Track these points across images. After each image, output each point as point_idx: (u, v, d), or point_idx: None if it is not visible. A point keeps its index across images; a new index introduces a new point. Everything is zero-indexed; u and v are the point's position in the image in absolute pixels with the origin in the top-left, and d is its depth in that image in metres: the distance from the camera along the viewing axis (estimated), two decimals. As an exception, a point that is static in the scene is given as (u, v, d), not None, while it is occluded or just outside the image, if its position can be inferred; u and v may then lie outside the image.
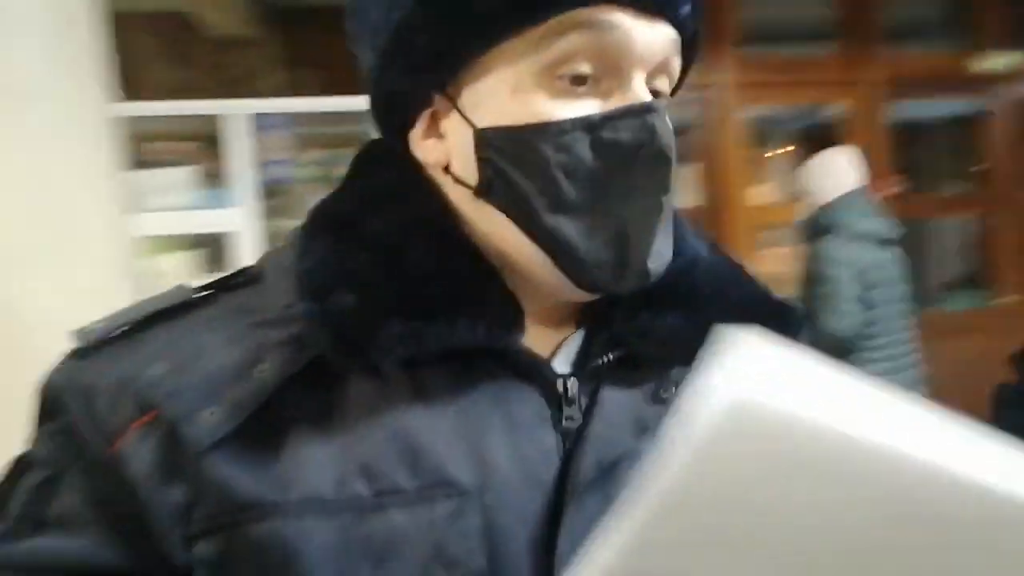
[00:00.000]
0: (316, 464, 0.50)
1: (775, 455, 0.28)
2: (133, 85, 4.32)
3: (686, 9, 0.54)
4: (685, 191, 3.77)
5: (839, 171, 2.65)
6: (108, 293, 1.82)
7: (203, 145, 4.09)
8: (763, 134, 4.33)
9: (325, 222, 0.56)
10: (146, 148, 4.04)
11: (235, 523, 0.49)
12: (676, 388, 0.57)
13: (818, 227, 2.65)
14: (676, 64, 0.55)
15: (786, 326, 0.59)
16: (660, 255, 0.54)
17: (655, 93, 0.54)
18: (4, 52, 1.60)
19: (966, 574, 0.31)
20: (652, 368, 0.57)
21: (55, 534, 0.52)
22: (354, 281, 0.51)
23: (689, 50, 0.56)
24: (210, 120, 3.49)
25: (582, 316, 0.59)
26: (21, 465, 0.55)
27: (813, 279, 2.57)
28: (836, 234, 2.57)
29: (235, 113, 3.33)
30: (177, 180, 3.88)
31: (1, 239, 1.60)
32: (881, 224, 2.60)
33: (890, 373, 2.50)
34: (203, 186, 3.92)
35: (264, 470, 0.50)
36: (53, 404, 0.54)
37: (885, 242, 2.59)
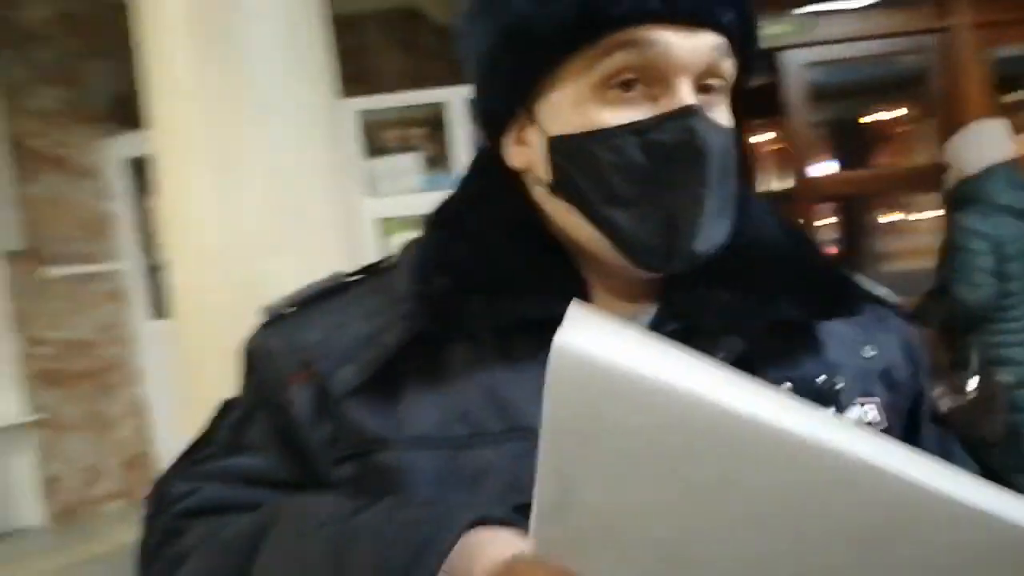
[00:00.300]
0: (424, 410, 0.62)
1: (599, 388, 0.36)
2: (369, 78, 4.74)
3: (728, 16, 0.60)
4: (924, 147, 3.47)
5: (986, 143, 2.66)
6: (338, 269, 2.10)
7: (430, 130, 4.40)
8: (1007, 79, 3.89)
9: (437, 219, 0.69)
10: (380, 136, 4.41)
11: (365, 453, 0.63)
12: (724, 356, 0.62)
13: (960, 198, 2.67)
14: (726, 64, 0.61)
15: (842, 303, 0.66)
16: (708, 238, 0.61)
17: (708, 89, 0.61)
18: (248, 72, 1.89)
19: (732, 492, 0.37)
20: (711, 337, 0.63)
21: (249, 454, 0.68)
22: (450, 267, 0.64)
23: (745, 45, 0.63)
24: (436, 107, 3.75)
25: (655, 292, 0.66)
26: (226, 407, 0.73)
27: (950, 250, 2.60)
28: (977, 206, 2.59)
29: (458, 99, 3.52)
30: (407, 165, 4.20)
31: (245, 228, 1.90)
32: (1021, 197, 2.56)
33: (1012, 346, 2.53)
34: (430, 169, 4.23)
35: (385, 414, 0.63)
36: (247, 363, 0.71)
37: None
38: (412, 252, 0.68)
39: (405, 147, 4.32)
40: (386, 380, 0.63)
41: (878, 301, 0.73)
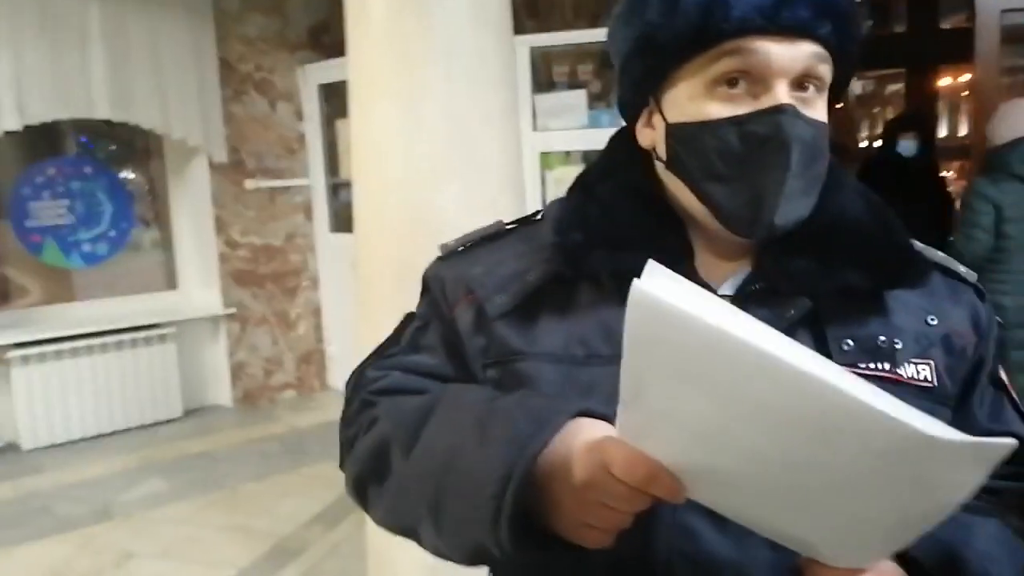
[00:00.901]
0: (553, 334, 0.77)
1: (660, 321, 0.49)
2: (543, 12, 4.85)
3: (825, 29, 0.70)
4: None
5: (1014, 119, 3.04)
6: (503, 207, 2.29)
7: (598, 67, 4.48)
8: None
9: (577, 184, 0.84)
10: (549, 71, 4.54)
11: (507, 361, 0.79)
12: (793, 314, 0.74)
13: (985, 166, 3.12)
14: (822, 68, 0.71)
15: (906, 275, 0.76)
16: (788, 214, 0.72)
17: (805, 88, 0.71)
18: (435, 15, 2.06)
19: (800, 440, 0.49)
20: (787, 297, 0.75)
21: (424, 354, 0.86)
22: (583, 225, 0.79)
23: (843, 51, 0.73)
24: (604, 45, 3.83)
25: (749, 256, 0.78)
26: (409, 317, 0.92)
27: (961, 207, 3.13)
28: (992, 173, 3.04)
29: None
30: (572, 101, 4.31)
31: (420, 160, 2.10)
32: None
33: (1014, 295, 2.96)
34: (593, 105, 4.32)
35: (524, 333, 0.79)
36: (425, 285, 0.89)
37: None
38: (556, 209, 0.84)
39: (573, 83, 4.41)
40: (528, 308, 0.79)
41: (956, 276, 0.82)
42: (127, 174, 4.98)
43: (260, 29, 4.85)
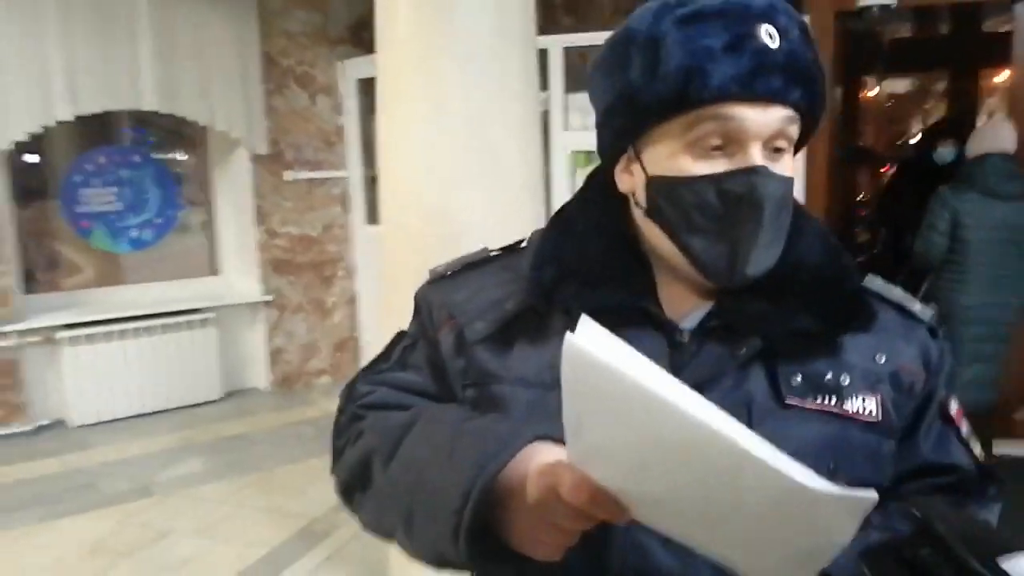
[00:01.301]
0: (527, 360, 0.82)
1: (600, 380, 0.55)
2: (586, 12, 4.87)
3: (795, 95, 0.74)
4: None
5: (989, 136, 3.40)
6: (524, 212, 2.34)
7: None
8: None
9: (556, 219, 0.89)
10: (580, 72, 4.56)
11: (484, 384, 0.84)
12: (746, 352, 0.79)
13: (957, 177, 3.46)
14: (792, 129, 0.76)
15: (854, 319, 0.80)
16: (759, 263, 0.77)
17: (776, 148, 0.76)
18: (459, 15, 2.11)
19: (713, 491, 0.54)
20: (742, 335, 0.79)
21: (411, 372, 0.92)
22: (557, 260, 0.84)
23: (812, 112, 0.78)
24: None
25: (709, 297, 0.82)
26: (400, 335, 0.97)
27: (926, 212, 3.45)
28: (959, 183, 3.39)
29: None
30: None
31: (446, 163, 2.17)
32: (1001, 182, 3.27)
33: (968, 293, 3.34)
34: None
35: (500, 359, 0.84)
36: (416, 306, 0.95)
37: (998, 196, 3.26)
38: (536, 241, 0.89)
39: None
40: (504, 335, 0.85)
41: (911, 315, 0.86)
42: (173, 163, 5.15)
43: (302, 24, 4.97)
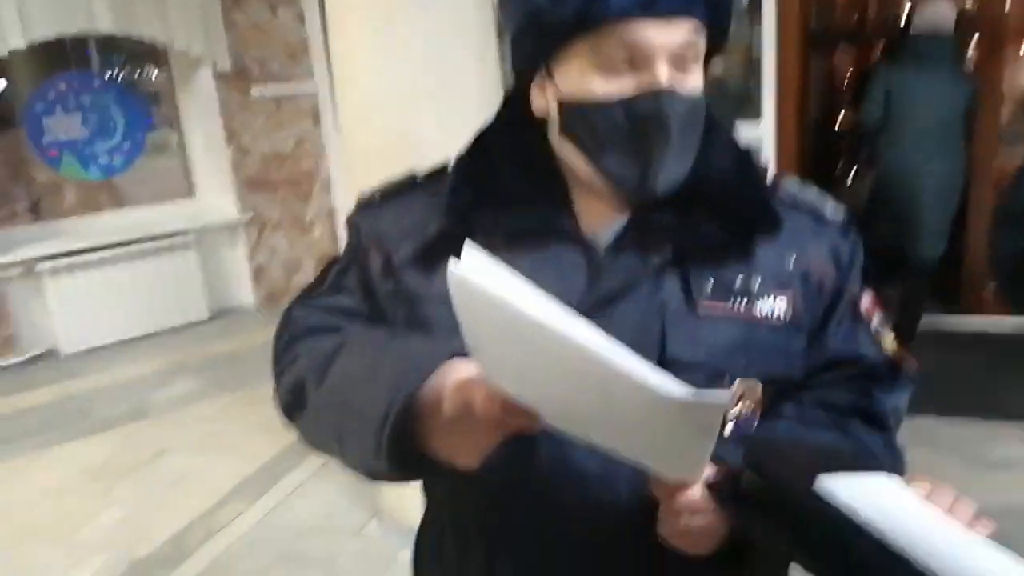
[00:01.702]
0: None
1: (484, 305, 0.58)
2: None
3: (698, 9, 0.77)
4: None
5: (928, 14, 3.62)
6: (478, 122, 2.31)
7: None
8: None
9: (474, 141, 0.90)
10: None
11: (411, 305, 0.88)
12: (659, 260, 0.82)
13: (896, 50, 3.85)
14: (699, 43, 0.79)
15: (761, 226, 0.84)
16: (667, 180, 0.80)
17: (682, 61, 0.78)
18: None
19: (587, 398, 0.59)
20: (652, 247, 0.83)
21: (344, 295, 0.95)
22: (474, 183, 0.86)
23: (716, 24, 0.80)
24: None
25: (624, 211, 0.85)
26: (335, 259, 1.00)
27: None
28: (895, 56, 3.86)
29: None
30: None
31: (400, 86, 2.15)
32: (931, 62, 3.58)
33: (899, 155, 3.71)
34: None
35: (425, 280, 0.86)
36: (348, 232, 0.97)
37: (927, 73, 3.57)
38: (456, 164, 0.91)
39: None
40: (428, 256, 0.87)
41: (821, 216, 0.89)
42: (140, 85, 5.04)
43: (255, -70, 4.78)
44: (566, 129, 0.83)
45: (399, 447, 0.72)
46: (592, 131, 0.80)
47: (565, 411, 0.66)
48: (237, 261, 5.18)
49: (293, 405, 0.89)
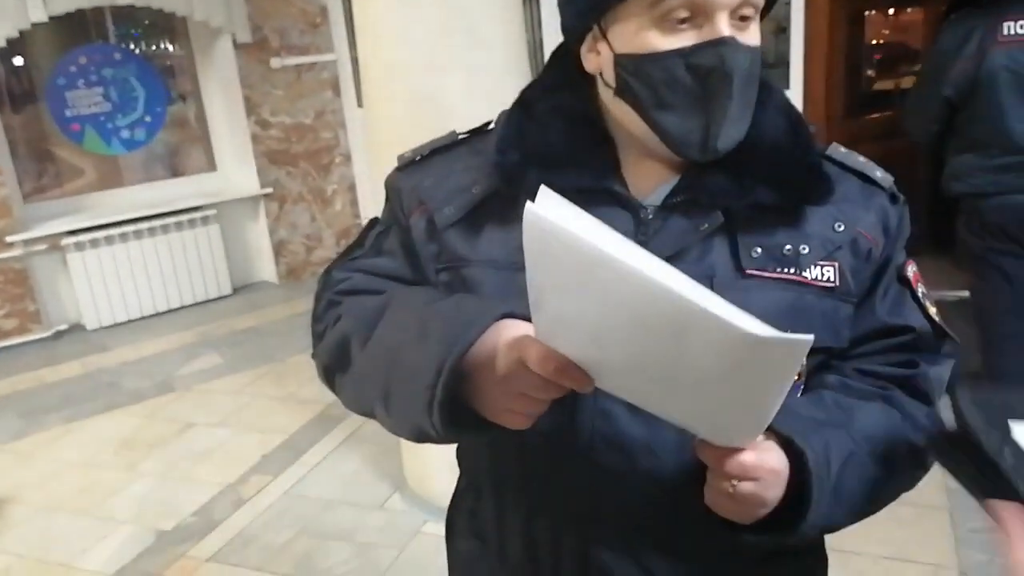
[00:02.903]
0: (495, 242, 0.84)
1: (559, 246, 0.57)
2: None
3: None
4: None
5: None
6: (508, 87, 2.28)
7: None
8: None
9: (520, 100, 0.88)
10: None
11: (455, 267, 0.86)
12: (709, 225, 0.80)
13: None
14: None
15: (813, 192, 0.81)
16: (728, 137, 0.78)
17: (743, 19, 0.75)
18: None
19: (662, 347, 0.57)
20: (704, 209, 0.82)
21: (385, 257, 0.94)
22: (520, 144, 0.84)
23: None
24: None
25: (673, 174, 0.84)
26: (373, 222, 0.98)
27: None
28: None
29: None
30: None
31: (425, 48, 2.11)
32: None
33: None
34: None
35: (470, 242, 0.86)
36: (387, 194, 0.96)
37: None
38: (501, 124, 0.88)
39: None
40: (473, 218, 0.86)
41: (872, 181, 0.86)
42: (160, 58, 5.02)
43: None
44: (622, 87, 0.80)
45: (450, 404, 0.70)
46: (652, 87, 0.77)
47: (624, 369, 0.63)
48: (259, 235, 5.18)
49: (335, 365, 0.87)
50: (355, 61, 4.92)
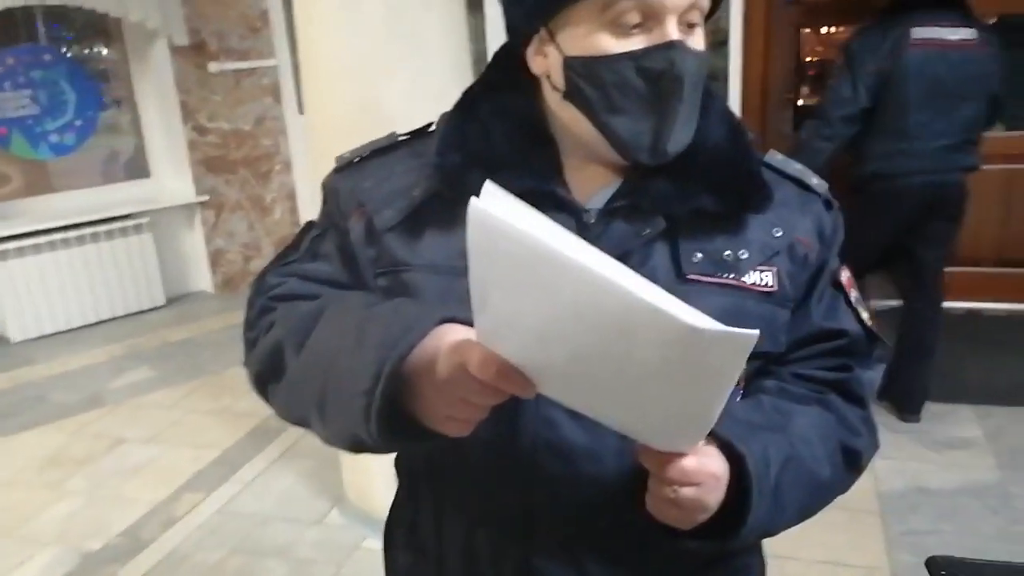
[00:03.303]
0: (436, 247, 0.82)
1: (504, 242, 0.55)
2: None
3: None
4: None
5: None
6: (447, 92, 2.26)
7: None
8: None
9: (461, 102, 0.86)
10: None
11: (395, 271, 0.84)
12: (649, 231, 0.80)
13: None
14: (704, 2, 0.76)
15: (752, 200, 0.82)
16: (678, 141, 0.78)
17: (690, 25, 0.76)
18: None
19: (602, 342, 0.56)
20: (646, 214, 0.81)
21: (321, 261, 0.90)
22: (462, 145, 0.82)
23: None
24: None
25: (614, 178, 0.83)
26: (309, 225, 0.95)
27: None
28: None
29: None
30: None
31: (368, 53, 2.08)
32: None
33: None
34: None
35: (410, 246, 0.84)
36: (324, 195, 0.93)
37: None
38: (442, 126, 0.86)
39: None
40: (414, 222, 0.84)
41: (808, 188, 0.87)
42: (92, 61, 4.86)
43: (211, -100, 4.62)
44: (572, 89, 0.79)
45: (388, 412, 0.68)
46: (602, 89, 0.77)
47: (568, 372, 0.62)
48: (194, 244, 5.05)
49: (268, 374, 0.84)
50: (296, 67, 4.85)
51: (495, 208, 0.55)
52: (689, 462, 0.68)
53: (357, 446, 0.74)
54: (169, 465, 3.08)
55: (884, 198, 2.94)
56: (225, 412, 3.47)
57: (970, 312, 4.16)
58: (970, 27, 2.81)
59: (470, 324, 0.64)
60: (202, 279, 5.09)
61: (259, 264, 5.18)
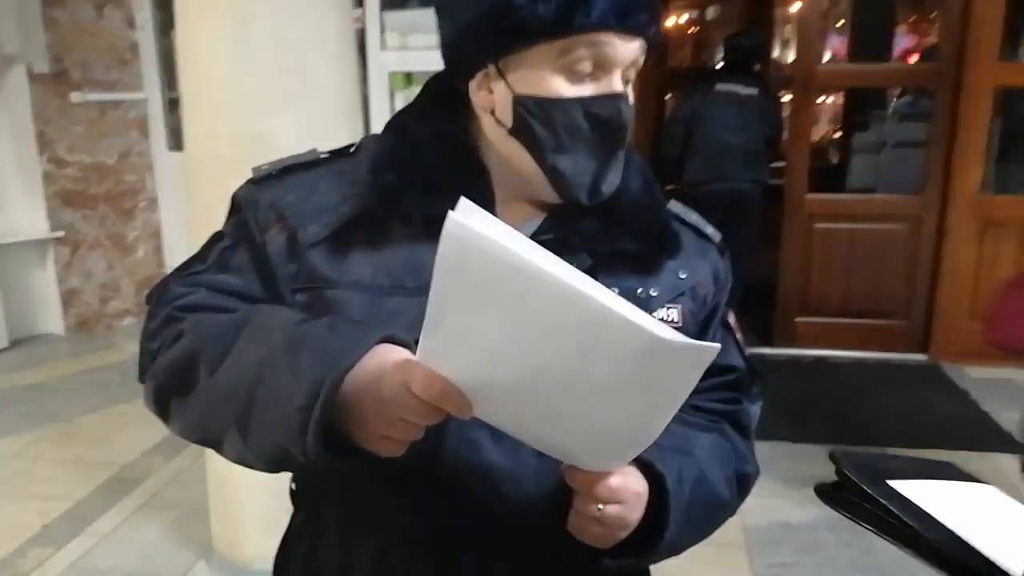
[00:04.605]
0: (362, 265, 0.83)
1: (479, 255, 0.56)
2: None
3: (652, 29, 0.81)
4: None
5: None
6: (336, 129, 2.25)
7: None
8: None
9: (395, 123, 0.88)
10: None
11: (316, 288, 0.83)
12: (576, 265, 0.78)
13: None
14: (642, 59, 0.82)
15: (666, 246, 0.89)
16: (611, 183, 0.84)
17: (627, 80, 0.82)
18: None
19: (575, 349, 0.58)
20: (568, 251, 0.82)
21: (232, 274, 0.87)
22: (396, 166, 0.84)
23: (651, 47, 0.84)
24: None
25: (540, 212, 0.87)
26: (217, 236, 0.91)
27: None
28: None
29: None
30: (423, 19, 4.18)
31: (254, 86, 2.05)
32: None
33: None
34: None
35: (335, 263, 0.83)
36: (236, 206, 0.90)
37: None
38: (373, 146, 0.88)
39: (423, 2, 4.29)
40: (340, 239, 0.84)
41: (704, 236, 0.95)
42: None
43: (81, -74, 4.46)
44: (520, 127, 0.82)
45: (326, 428, 0.67)
46: (552, 129, 0.81)
47: (512, 391, 0.64)
48: (45, 283, 4.71)
49: (174, 388, 0.80)
50: (171, 102, 4.69)
51: (473, 222, 0.57)
52: (614, 480, 0.71)
53: (283, 462, 0.73)
54: (14, 518, 2.82)
55: (697, 202, 3.48)
56: (76, 462, 3.22)
57: (817, 359, 4.47)
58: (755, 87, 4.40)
59: (408, 345, 0.65)
60: (52, 320, 4.75)
61: (118, 305, 4.91)
